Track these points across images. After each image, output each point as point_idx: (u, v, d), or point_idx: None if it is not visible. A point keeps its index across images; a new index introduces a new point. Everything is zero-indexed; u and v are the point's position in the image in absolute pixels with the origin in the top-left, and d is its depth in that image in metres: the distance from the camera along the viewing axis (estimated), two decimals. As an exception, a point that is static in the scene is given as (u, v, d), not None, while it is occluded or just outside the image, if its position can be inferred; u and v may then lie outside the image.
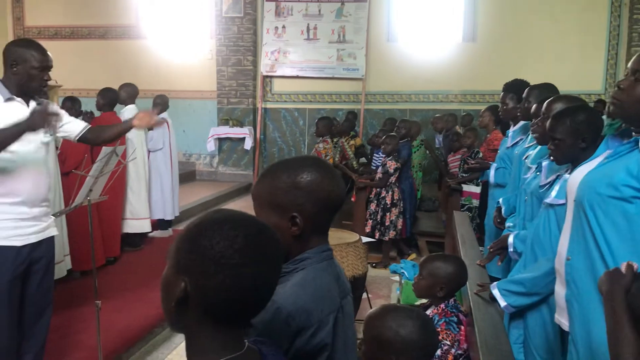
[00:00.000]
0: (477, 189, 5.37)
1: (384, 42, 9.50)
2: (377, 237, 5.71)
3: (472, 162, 4.77)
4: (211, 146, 9.76)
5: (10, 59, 2.64)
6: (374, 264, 5.62)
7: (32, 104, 2.71)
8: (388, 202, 5.76)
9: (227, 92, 9.89)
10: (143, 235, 5.94)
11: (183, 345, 1.08)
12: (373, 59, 9.44)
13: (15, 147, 2.53)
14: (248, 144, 9.69)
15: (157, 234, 6.33)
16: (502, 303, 2.42)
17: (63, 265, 4.37)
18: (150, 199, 6.12)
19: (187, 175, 9.63)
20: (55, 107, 2.61)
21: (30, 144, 2.65)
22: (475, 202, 5.38)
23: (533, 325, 2.41)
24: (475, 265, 2.96)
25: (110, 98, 5.44)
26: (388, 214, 5.75)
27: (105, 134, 2.96)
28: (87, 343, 3.52)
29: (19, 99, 2.66)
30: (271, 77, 9.85)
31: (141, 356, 3.78)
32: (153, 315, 4.02)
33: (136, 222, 5.70)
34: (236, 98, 9.88)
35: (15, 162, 2.58)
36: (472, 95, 9.33)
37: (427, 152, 7.40)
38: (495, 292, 2.45)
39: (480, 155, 5.42)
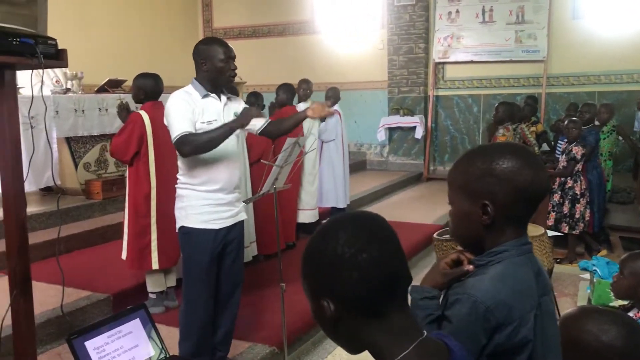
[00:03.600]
0: (683, 180, 4.73)
1: (568, 20, 8.75)
2: (566, 231, 5.30)
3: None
4: (382, 136, 9.82)
5: (199, 58, 2.86)
6: (558, 260, 5.23)
7: (224, 98, 2.93)
8: (577, 192, 5.30)
9: (398, 81, 9.87)
10: (317, 223, 6.18)
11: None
12: (556, 38, 8.74)
13: None
14: (419, 133, 9.59)
15: (331, 221, 6.53)
16: None
17: (249, 250, 4.70)
18: (323, 188, 6.35)
19: (358, 165, 9.81)
20: (253, 108, 2.84)
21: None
22: (682, 195, 4.74)
23: None
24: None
25: (291, 92, 5.74)
26: (577, 205, 5.30)
27: (283, 125, 3.09)
28: (272, 322, 3.74)
29: (213, 94, 2.89)
30: (443, 63, 9.62)
31: (319, 338, 3.92)
32: (330, 300, 4.15)
33: (307, 212, 5.96)
34: (407, 87, 9.82)
35: (213, 153, 2.81)
36: (676, 73, 8.22)
37: (620, 138, 6.68)
38: None
39: (689, 141, 4.76)
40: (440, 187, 8.83)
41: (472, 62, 9.31)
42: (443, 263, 1.36)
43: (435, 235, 2.82)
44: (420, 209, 7.30)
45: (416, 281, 1.26)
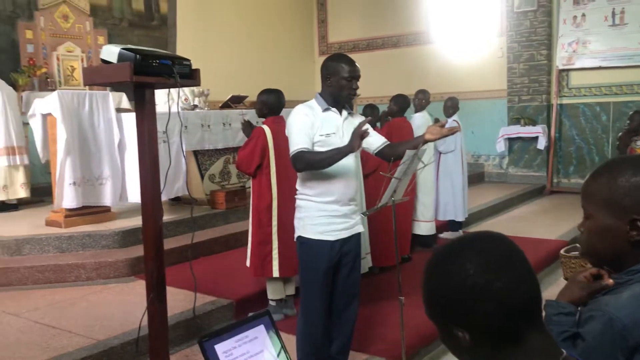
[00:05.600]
0: None
1: None
2: None
3: None
4: (501, 146, 9.48)
5: (325, 73, 2.95)
6: None
7: (344, 113, 2.97)
8: None
9: (518, 90, 9.50)
10: (434, 236, 6.07)
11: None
12: (699, 39, 8.00)
13: None
14: (541, 143, 9.14)
15: (448, 235, 6.39)
16: None
17: (365, 262, 4.70)
18: (441, 200, 6.24)
19: (476, 177, 9.54)
20: (364, 125, 2.79)
21: None
22: None
23: None
24: None
25: (402, 104, 5.69)
26: None
27: (399, 149, 3.03)
28: (389, 335, 3.72)
29: (333, 109, 2.95)
30: (568, 70, 9.12)
31: (437, 355, 3.83)
32: (448, 316, 4.04)
33: (423, 224, 5.87)
34: (528, 95, 9.42)
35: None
36: None
37: None
38: None
39: None
40: (565, 200, 8.34)
41: (600, 68, 8.75)
42: (582, 276, 1.30)
43: (562, 251, 2.67)
44: (543, 224, 6.93)
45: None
